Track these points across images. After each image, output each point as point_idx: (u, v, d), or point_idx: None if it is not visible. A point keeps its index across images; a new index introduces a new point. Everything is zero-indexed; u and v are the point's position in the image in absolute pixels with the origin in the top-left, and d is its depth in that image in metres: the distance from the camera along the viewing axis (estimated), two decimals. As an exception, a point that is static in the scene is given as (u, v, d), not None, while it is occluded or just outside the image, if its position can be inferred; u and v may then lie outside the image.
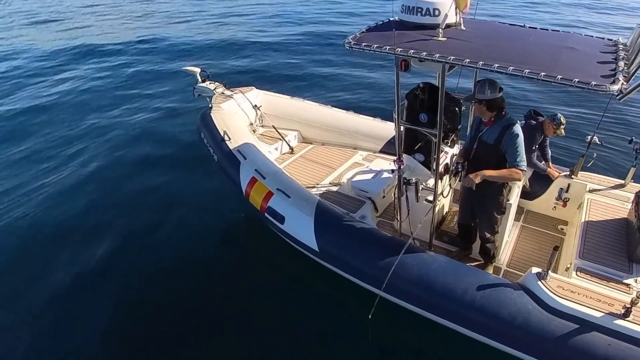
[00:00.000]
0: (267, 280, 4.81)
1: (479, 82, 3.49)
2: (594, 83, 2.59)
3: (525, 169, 3.49)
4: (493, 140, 3.52)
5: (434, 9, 3.32)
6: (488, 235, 4.01)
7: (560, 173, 4.79)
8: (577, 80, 2.63)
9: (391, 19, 3.73)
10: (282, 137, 6.07)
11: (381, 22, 3.72)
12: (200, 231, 5.61)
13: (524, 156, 3.47)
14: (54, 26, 17.26)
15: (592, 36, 3.55)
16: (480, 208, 3.89)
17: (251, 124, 6.31)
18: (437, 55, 3.04)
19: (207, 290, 4.72)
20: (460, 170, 3.87)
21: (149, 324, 4.38)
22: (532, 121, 4.58)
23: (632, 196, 4.25)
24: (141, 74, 11.68)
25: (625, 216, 4.17)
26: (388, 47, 3.22)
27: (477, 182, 3.53)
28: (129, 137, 8.30)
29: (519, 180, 3.48)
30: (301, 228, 4.33)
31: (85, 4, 21.39)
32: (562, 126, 4.47)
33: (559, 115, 4.46)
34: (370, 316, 3.61)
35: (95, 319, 4.45)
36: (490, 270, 4.23)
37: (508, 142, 3.44)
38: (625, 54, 3.02)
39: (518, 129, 3.46)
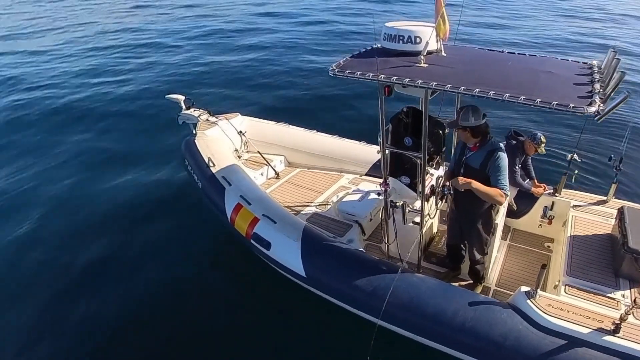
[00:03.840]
0: (253, 308, 4.71)
1: (462, 109, 3.50)
2: (572, 105, 2.66)
3: (507, 193, 3.51)
4: (479, 164, 3.55)
5: (415, 37, 3.42)
6: (478, 256, 4.02)
7: (545, 188, 4.85)
8: (555, 103, 2.70)
9: (374, 46, 3.80)
10: (267, 162, 6.06)
11: (364, 50, 3.79)
12: (183, 257, 5.49)
13: (507, 181, 3.50)
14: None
15: (567, 59, 3.66)
16: (470, 229, 3.90)
17: (236, 150, 6.29)
18: (420, 81, 3.10)
19: (188, 318, 4.62)
20: (446, 192, 3.89)
21: (122, 349, 4.30)
22: (513, 141, 4.66)
23: (614, 212, 4.32)
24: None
25: (610, 232, 4.23)
26: (371, 74, 3.27)
27: (463, 186, 3.49)
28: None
29: (502, 203, 3.51)
30: (288, 253, 4.28)
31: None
32: (542, 145, 4.56)
33: (539, 134, 4.56)
34: (368, 357, 3.23)
35: (70, 337, 4.43)
36: (479, 290, 4.23)
37: (492, 167, 3.47)
38: (600, 77, 3.11)
39: (503, 153, 3.49)
